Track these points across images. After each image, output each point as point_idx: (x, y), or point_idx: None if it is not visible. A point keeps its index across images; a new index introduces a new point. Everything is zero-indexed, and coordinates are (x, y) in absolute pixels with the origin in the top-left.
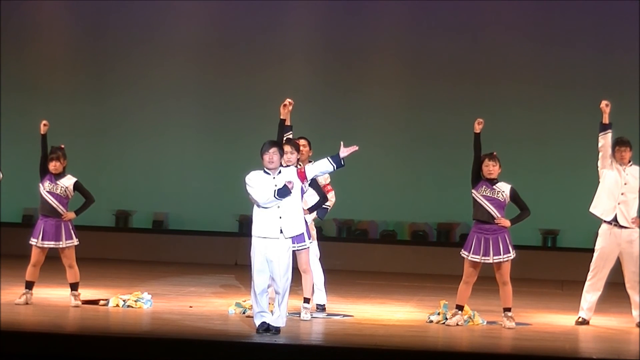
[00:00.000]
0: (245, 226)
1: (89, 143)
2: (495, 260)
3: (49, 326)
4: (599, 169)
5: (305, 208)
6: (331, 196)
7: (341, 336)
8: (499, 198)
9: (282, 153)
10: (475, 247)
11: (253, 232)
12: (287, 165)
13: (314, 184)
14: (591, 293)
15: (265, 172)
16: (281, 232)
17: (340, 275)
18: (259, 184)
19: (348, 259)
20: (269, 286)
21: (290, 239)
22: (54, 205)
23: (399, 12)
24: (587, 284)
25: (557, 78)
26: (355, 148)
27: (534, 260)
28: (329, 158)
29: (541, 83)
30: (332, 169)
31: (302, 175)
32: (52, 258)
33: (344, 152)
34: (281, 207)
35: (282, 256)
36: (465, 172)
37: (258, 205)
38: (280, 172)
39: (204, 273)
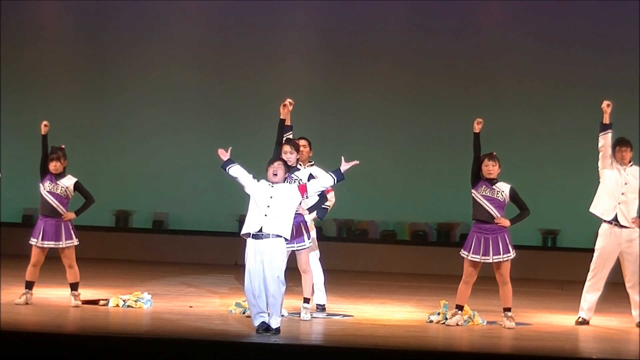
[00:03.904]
0: None
1: (89, 143)
2: (495, 260)
3: (49, 326)
4: (599, 169)
5: (305, 208)
6: (331, 196)
7: (341, 336)
8: (499, 198)
9: (287, 169)
10: (475, 247)
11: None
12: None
13: None
14: (591, 293)
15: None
16: (261, 229)
17: (340, 275)
18: (252, 182)
19: (348, 259)
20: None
21: (284, 241)
22: (54, 205)
23: (399, 11)
24: (587, 284)
25: (557, 78)
26: (356, 162)
27: (534, 260)
28: (330, 173)
29: (541, 83)
30: (333, 183)
31: (302, 189)
32: (52, 258)
33: (345, 166)
34: (270, 206)
35: (274, 258)
36: (465, 172)
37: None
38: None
39: (204, 273)
